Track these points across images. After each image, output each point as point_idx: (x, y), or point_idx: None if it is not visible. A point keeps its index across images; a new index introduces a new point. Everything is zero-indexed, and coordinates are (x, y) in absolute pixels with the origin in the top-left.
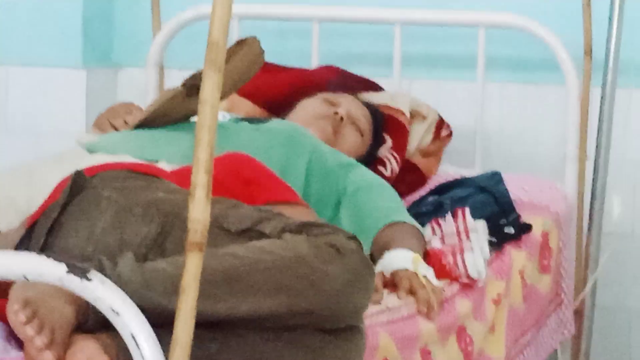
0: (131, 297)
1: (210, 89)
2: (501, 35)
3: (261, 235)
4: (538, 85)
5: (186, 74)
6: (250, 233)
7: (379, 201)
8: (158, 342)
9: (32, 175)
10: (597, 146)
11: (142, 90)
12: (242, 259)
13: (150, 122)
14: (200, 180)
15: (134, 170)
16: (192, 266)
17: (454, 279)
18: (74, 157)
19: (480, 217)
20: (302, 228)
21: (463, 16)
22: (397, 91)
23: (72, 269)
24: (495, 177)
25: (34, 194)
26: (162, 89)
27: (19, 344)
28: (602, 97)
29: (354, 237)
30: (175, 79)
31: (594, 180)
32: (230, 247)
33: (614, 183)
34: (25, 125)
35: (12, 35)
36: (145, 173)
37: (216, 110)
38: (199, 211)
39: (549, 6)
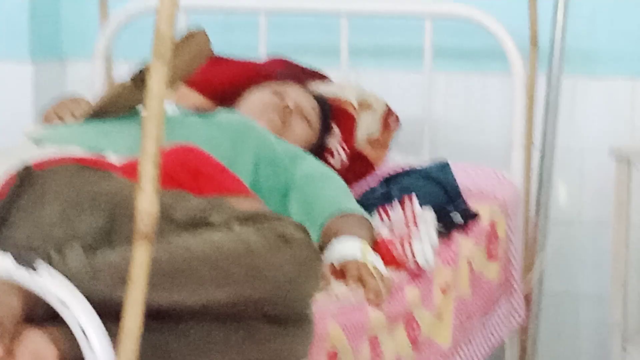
0: (79, 289)
1: (157, 81)
2: (447, 26)
3: (209, 225)
4: (484, 74)
5: (134, 65)
6: (198, 224)
7: (327, 191)
8: (107, 333)
9: None
10: (543, 134)
11: (90, 82)
12: (191, 251)
13: (99, 114)
14: (148, 172)
15: (82, 164)
16: (140, 257)
17: (403, 267)
18: (21, 150)
19: (428, 206)
20: (251, 218)
21: (410, 7)
22: (345, 82)
23: (19, 260)
24: (444, 167)
25: None
26: (110, 80)
27: None
28: (547, 85)
29: (301, 227)
30: (123, 71)
31: (541, 167)
32: (180, 239)
33: (560, 170)
34: None
35: None
36: (94, 166)
37: (163, 103)
38: (147, 203)
39: None
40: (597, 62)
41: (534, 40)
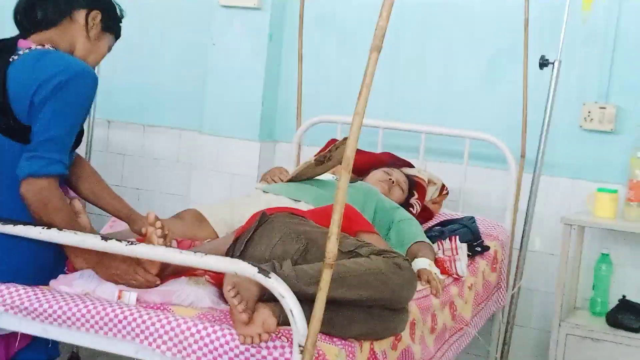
0: (289, 286)
1: (344, 180)
2: (477, 143)
3: (358, 255)
4: (494, 170)
5: (314, 149)
6: (352, 253)
7: (411, 228)
8: (302, 311)
9: (233, 205)
10: (527, 206)
11: (289, 157)
12: (349, 268)
13: (295, 179)
14: (334, 229)
15: (291, 212)
16: (326, 276)
17: (450, 275)
18: (255, 195)
19: (463, 241)
20: (381, 252)
21: (457, 132)
22: (421, 168)
23: (261, 271)
24: (471, 219)
25: (235, 216)
26: (300, 157)
27: (226, 302)
28: (532, 180)
29: (407, 259)
30: (307, 151)
31: (524, 224)
32: (343, 262)
33: (535, 228)
34: (229, 170)
35: (222, 120)
36: (297, 214)
37: (347, 184)
38: (332, 246)
39: (504, 126)
40: (554, 169)
41: (523, 154)
